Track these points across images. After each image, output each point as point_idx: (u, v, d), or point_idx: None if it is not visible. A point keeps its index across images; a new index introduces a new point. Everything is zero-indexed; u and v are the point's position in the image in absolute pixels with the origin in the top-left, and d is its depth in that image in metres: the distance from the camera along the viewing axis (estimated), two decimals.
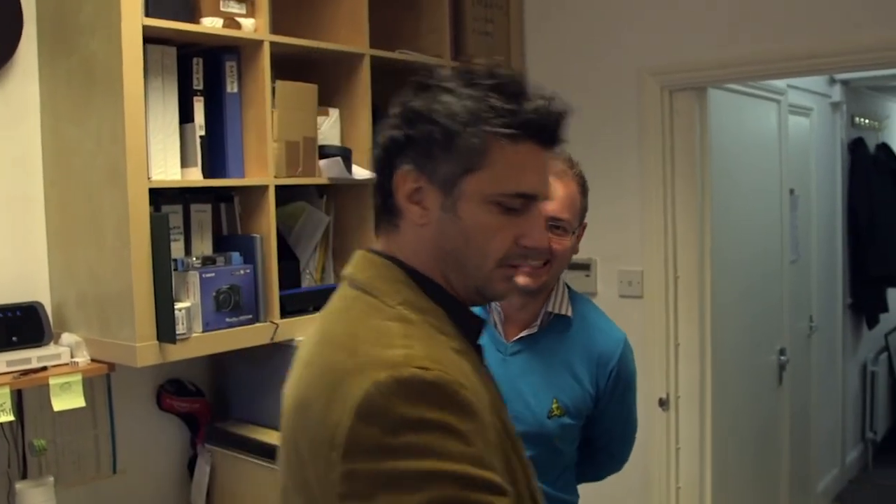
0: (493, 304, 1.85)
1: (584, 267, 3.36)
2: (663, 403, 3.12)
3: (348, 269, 1.20)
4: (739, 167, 3.52)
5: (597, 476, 2.12)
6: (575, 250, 1.88)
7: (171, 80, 2.25)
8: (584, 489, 2.09)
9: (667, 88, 3.10)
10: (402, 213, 1.15)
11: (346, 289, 1.17)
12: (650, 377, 3.17)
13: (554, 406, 1.86)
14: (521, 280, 1.78)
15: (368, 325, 1.08)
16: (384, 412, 0.96)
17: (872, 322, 5.39)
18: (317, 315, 1.25)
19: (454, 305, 1.15)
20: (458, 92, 1.12)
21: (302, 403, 1.07)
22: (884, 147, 5.52)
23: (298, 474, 1.06)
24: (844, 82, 4.85)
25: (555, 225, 1.80)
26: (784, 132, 3.90)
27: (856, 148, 5.11)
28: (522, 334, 1.89)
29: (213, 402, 2.67)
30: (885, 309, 5.39)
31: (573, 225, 1.83)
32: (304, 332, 2.45)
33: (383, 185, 1.17)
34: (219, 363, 2.69)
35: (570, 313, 1.91)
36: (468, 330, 1.18)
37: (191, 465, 2.64)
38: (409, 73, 2.95)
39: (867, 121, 5.35)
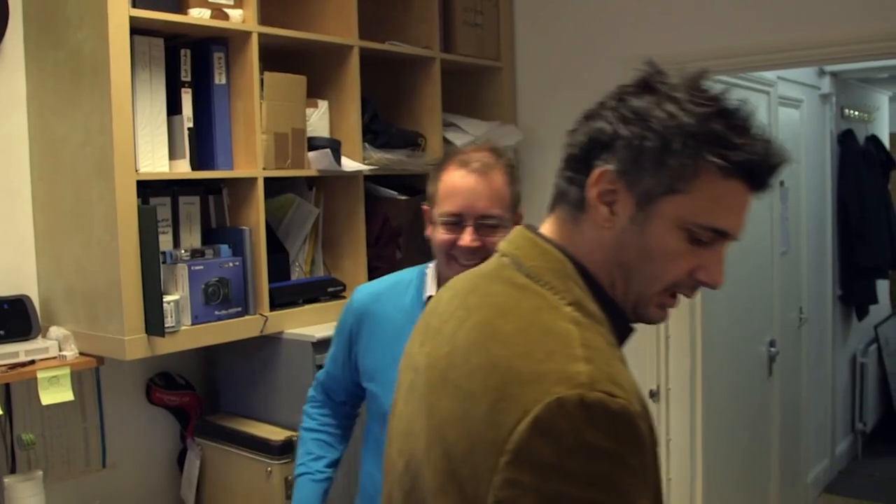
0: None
1: None
2: (653, 395, 3.13)
3: (508, 247, 1.15)
4: None
5: None
6: None
7: (158, 72, 2.24)
8: None
9: None
10: (588, 209, 1.08)
11: (512, 271, 1.10)
12: (640, 369, 3.17)
13: None
14: None
15: (543, 324, 1.02)
16: (565, 433, 0.92)
17: (862, 313, 5.40)
18: (447, 288, 1.21)
19: (616, 312, 1.10)
20: (684, 105, 1.04)
21: (457, 390, 1.03)
22: (873, 139, 5.54)
23: (441, 458, 1.03)
24: (834, 74, 4.86)
25: (485, 223, 1.77)
26: (774, 124, 3.91)
27: (845, 140, 5.12)
28: None
29: (203, 396, 2.66)
30: (874, 300, 5.41)
31: (505, 218, 1.78)
32: (293, 323, 2.46)
33: (576, 174, 1.10)
34: (208, 356, 2.68)
35: None
36: (622, 336, 1.12)
37: (181, 459, 2.64)
38: (399, 65, 2.98)
39: (857, 113, 5.36)
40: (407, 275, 1.97)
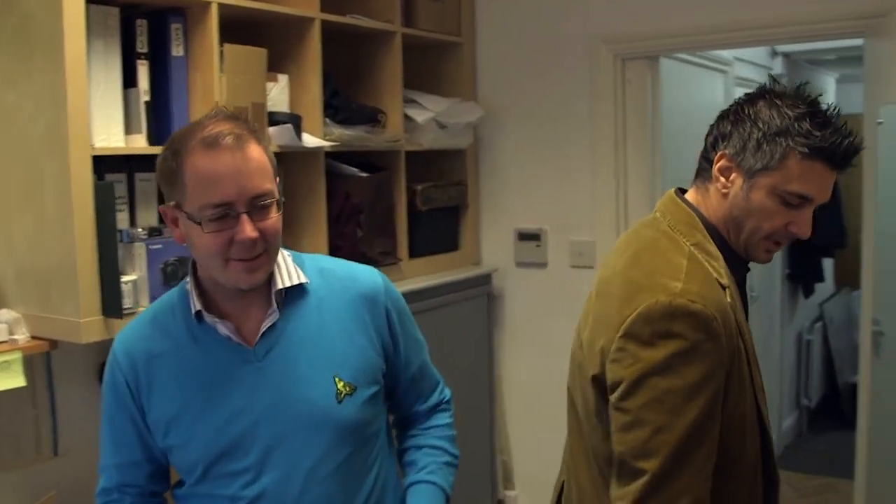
0: (217, 322, 1.53)
1: (534, 237, 3.34)
2: None
3: (661, 206, 1.63)
4: (688, 137, 3.52)
5: (435, 428, 1.77)
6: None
7: (113, 43, 2.15)
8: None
9: (620, 57, 3.08)
10: (713, 179, 1.57)
11: (660, 222, 1.60)
12: None
13: (339, 386, 1.55)
14: (244, 280, 1.47)
15: (666, 258, 1.51)
16: (656, 321, 1.42)
17: (808, 291, 5.49)
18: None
19: (730, 253, 1.56)
20: (781, 108, 1.49)
21: (609, 296, 1.53)
22: None
23: (592, 336, 1.54)
24: (786, 55, 4.90)
25: (259, 204, 1.44)
26: (730, 102, 3.92)
27: None
28: (264, 328, 1.54)
29: None
30: (821, 278, 5.50)
31: (276, 192, 1.48)
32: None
33: (708, 154, 1.59)
34: None
35: (303, 279, 1.57)
36: (738, 270, 1.58)
37: None
38: (359, 39, 2.91)
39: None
40: (166, 299, 1.64)
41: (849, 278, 6.18)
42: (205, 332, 1.55)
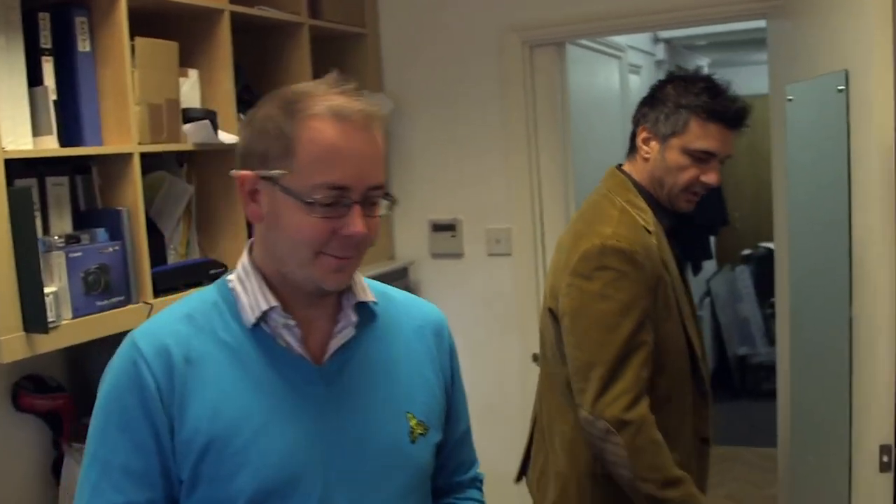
0: (287, 326, 1.28)
1: (449, 227, 3.32)
2: (536, 359, 3.14)
3: (603, 178, 2.09)
4: (592, 120, 3.58)
5: None
6: None
7: (16, 38, 1.99)
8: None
9: (528, 44, 3.09)
10: (638, 149, 2.04)
11: (601, 188, 2.07)
12: (523, 333, 3.19)
13: (412, 424, 1.34)
14: (332, 280, 1.26)
15: (603, 212, 1.96)
16: (593, 259, 1.87)
17: (697, 269, 5.69)
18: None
19: (657, 205, 2.00)
20: (687, 87, 1.95)
21: (562, 247, 2.01)
22: None
23: (551, 279, 2.02)
24: (666, 41, 5.05)
25: (371, 199, 1.24)
26: (625, 88, 4.02)
27: None
28: (337, 343, 1.32)
29: (76, 397, 2.42)
30: (709, 256, 5.71)
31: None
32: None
33: (634, 131, 2.04)
34: (76, 353, 2.44)
35: (373, 297, 1.37)
36: (666, 220, 2.00)
37: (56, 468, 2.39)
38: (266, 31, 2.81)
39: None
40: (203, 297, 1.35)
41: (729, 255, 6.46)
42: (257, 339, 1.28)
